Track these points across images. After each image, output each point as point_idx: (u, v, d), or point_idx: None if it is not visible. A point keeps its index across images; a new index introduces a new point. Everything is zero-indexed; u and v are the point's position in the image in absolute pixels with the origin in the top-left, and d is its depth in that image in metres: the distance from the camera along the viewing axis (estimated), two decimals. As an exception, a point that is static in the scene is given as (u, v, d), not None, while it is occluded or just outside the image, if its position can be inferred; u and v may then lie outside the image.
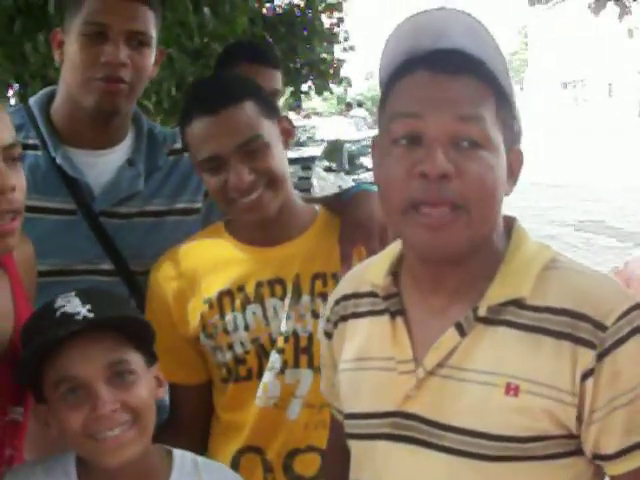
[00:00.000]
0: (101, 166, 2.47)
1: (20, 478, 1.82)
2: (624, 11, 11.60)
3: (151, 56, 2.43)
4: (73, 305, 1.75)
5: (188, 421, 2.16)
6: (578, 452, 1.52)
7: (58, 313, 1.74)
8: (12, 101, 6.50)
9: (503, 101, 1.55)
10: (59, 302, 1.77)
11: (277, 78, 3.11)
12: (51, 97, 2.51)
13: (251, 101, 2.10)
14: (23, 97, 5.80)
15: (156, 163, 2.53)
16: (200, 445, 2.24)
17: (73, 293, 1.78)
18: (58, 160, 2.41)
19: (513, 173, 1.58)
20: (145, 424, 1.77)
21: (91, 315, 1.73)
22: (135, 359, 1.78)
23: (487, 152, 1.51)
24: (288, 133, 2.19)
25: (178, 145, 2.55)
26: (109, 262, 2.42)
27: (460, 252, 1.54)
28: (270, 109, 2.15)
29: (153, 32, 2.42)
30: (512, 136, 1.57)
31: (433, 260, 1.57)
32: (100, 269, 2.41)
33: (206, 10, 6.36)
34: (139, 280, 2.39)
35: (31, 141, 2.41)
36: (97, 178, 2.45)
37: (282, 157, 2.15)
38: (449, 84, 1.51)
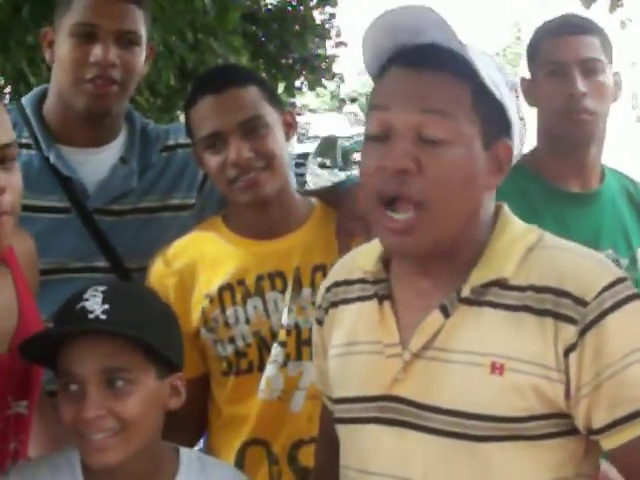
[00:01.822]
0: (94, 164, 2.46)
1: (25, 475, 1.81)
2: (615, 3, 11.60)
3: (141, 55, 2.43)
4: (93, 302, 1.74)
5: (184, 414, 2.15)
6: (568, 432, 1.53)
7: (78, 306, 1.75)
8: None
9: (482, 95, 1.53)
10: (87, 293, 1.77)
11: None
12: (43, 96, 2.50)
13: (256, 87, 2.16)
14: (27, 86, 5.79)
15: (149, 160, 2.52)
16: (196, 437, 2.27)
17: (103, 288, 1.77)
18: (51, 159, 2.40)
19: (501, 167, 1.57)
20: (133, 434, 1.74)
21: (104, 317, 1.72)
22: (140, 369, 1.75)
23: (453, 147, 1.50)
24: (290, 126, 2.23)
25: (171, 142, 2.56)
26: (104, 259, 2.40)
27: (428, 252, 1.55)
28: (274, 99, 2.20)
29: (143, 31, 2.41)
30: (496, 130, 1.55)
31: (404, 259, 1.60)
32: (95, 266, 2.40)
33: None
34: (134, 277, 2.38)
35: (24, 140, 2.40)
36: (91, 176, 2.44)
37: (283, 143, 2.18)
38: (418, 77, 1.52)
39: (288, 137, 2.22)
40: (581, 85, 2.42)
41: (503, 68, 1.60)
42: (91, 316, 1.73)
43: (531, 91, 2.50)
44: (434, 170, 1.49)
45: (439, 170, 1.50)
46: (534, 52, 2.56)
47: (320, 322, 1.80)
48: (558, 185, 2.51)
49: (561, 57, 2.46)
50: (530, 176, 2.50)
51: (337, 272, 1.80)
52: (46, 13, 5.30)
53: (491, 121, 1.54)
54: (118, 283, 2.06)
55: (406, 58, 1.53)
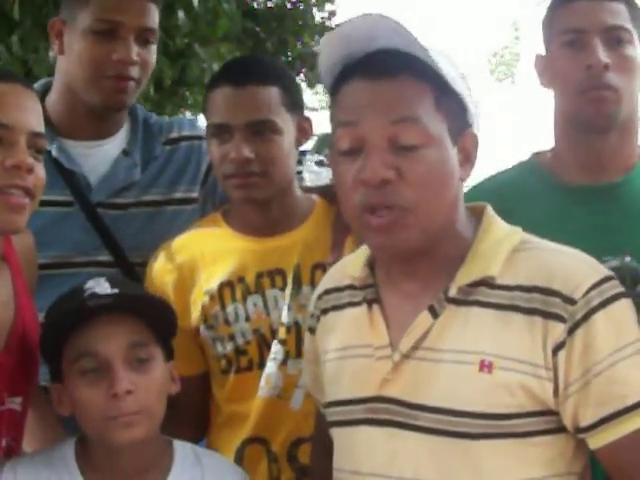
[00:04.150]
0: (97, 157, 2.46)
1: (19, 470, 1.82)
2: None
3: (155, 52, 2.43)
4: (103, 287, 1.80)
5: (186, 411, 2.16)
6: (558, 430, 1.54)
7: (87, 293, 1.79)
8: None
9: (444, 91, 1.56)
10: (89, 284, 1.82)
11: None
12: (46, 89, 2.50)
13: (278, 88, 2.13)
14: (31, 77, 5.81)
15: (152, 153, 2.52)
16: (199, 435, 2.26)
17: (104, 278, 1.83)
18: (54, 152, 2.39)
19: (469, 157, 1.61)
20: (153, 412, 1.80)
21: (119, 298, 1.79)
22: (155, 345, 1.82)
23: (428, 149, 1.53)
24: (305, 133, 2.21)
25: (175, 134, 2.55)
26: (107, 253, 2.40)
27: (414, 248, 1.57)
28: (294, 105, 2.17)
29: (157, 27, 2.42)
30: (461, 122, 1.59)
31: (391, 258, 1.62)
32: (99, 261, 2.39)
33: (180, 14, 6.33)
34: (138, 271, 2.37)
35: None
36: (93, 169, 2.44)
37: (289, 151, 2.16)
38: (382, 87, 1.54)
39: (300, 142, 2.21)
40: (603, 56, 2.02)
41: (453, 61, 1.62)
42: (106, 295, 1.78)
43: (546, 69, 2.17)
44: (414, 175, 1.53)
45: (419, 174, 1.53)
46: (549, 22, 2.16)
47: (312, 330, 1.82)
48: (566, 180, 2.14)
49: (579, 24, 2.05)
50: (537, 173, 2.19)
51: (328, 280, 1.83)
52: (9, 30, 5.33)
53: (454, 116, 1.58)
54: (115, 276, 2.10)
55: (364, 68, 1.56)
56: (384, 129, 1.53)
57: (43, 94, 2.47)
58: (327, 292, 1.79)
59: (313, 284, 2.15)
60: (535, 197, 2.12)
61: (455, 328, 1.56)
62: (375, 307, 1.65)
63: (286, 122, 2.14)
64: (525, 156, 2.28)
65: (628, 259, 1.99)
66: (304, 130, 2.22)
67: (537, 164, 2.22)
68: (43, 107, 2.42)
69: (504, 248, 1.58)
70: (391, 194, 1.53)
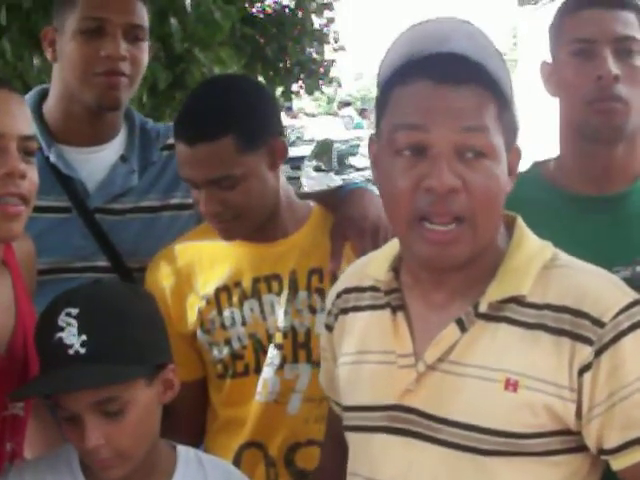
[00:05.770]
0: (94, 163, 2.47)
1: (26, 476, 1.82)
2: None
3: (147, 50, 2.43)
4: (69, 333, 1.73)
5: (184, 417, 2.16)
6: (576, 449, 1.54)
7: (55, 337, 1.73)
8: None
9: (504, 105, 1.55)
10: (60, 320, 1.74)
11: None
12: (43, 96, 2.50)
13: (229, 137, 2.05)
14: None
15: (150, 158, 2.53)
16: (196, 441, 2.25)
17: (76, 311, 1.74)
18: (51, 158, 2.40)
19: (512, 171, 1.59)
20: (130, 454, 1.77)
21: (83, 351, 1.71)
22: (129, 389, 1.75)
23: (491, 161, 1.51)
24: (279, 155, 2.14)
25: (171, 140, 2.53)
26: (105, 259, 2.41)
27: (463, 262, 1.55)
28: (253, 142, 2.08)
29: (147, 26, 2.42)
30: (512, 136, 1.58)
31: (436, 270, 1.59)
32: (96, 266, 2.40)
33: (173, 21, 6.32)
34: (135, 277, 2.38)
35: None
36: (91, 175, 2.45)
37: (262, 185, 2.11)
38: (452, 94, 1.51)
39: (276, 164, 2.14)
40: (613, 67, 1.98)
41: (508, 68, 1.60)
42: (70, 352, 1.72)
43: (552, 77, 2.13)
44: (476, 185, 1.50)
45: (480, 185, 1.51)
46: (557, 29, 2.11)
47: (329, 328, 1.80)
48: (572, 190, 2.12)
49: (589, 34, 2.01)
50: (539, 183, 2.15)
51: (348, 278, 1.80)
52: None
53: (509, 130, 1.56)
54: (92, 296, 1.82)
55: (434, 70, 1.51)
56: (454, 136, 1.49)
57: (40, 101, 2.49)
58: (347, 291, 1.76)
59: (309, 289, 2.17)
60: (540, 207, 2.07)
61: (482, 344, 1.55)
62: (399, 314, 1.63)
63: (248, 164, 2.07)
64: (524, 165, 2.28)
65: (639, 269, 1.98)
66: (278, 153, 2.14)
67: (540, 174, 2.19)
68: (41, 114, 2.46)
69: (535, 265, 1.57)
70: (453, 203, 1.50)
